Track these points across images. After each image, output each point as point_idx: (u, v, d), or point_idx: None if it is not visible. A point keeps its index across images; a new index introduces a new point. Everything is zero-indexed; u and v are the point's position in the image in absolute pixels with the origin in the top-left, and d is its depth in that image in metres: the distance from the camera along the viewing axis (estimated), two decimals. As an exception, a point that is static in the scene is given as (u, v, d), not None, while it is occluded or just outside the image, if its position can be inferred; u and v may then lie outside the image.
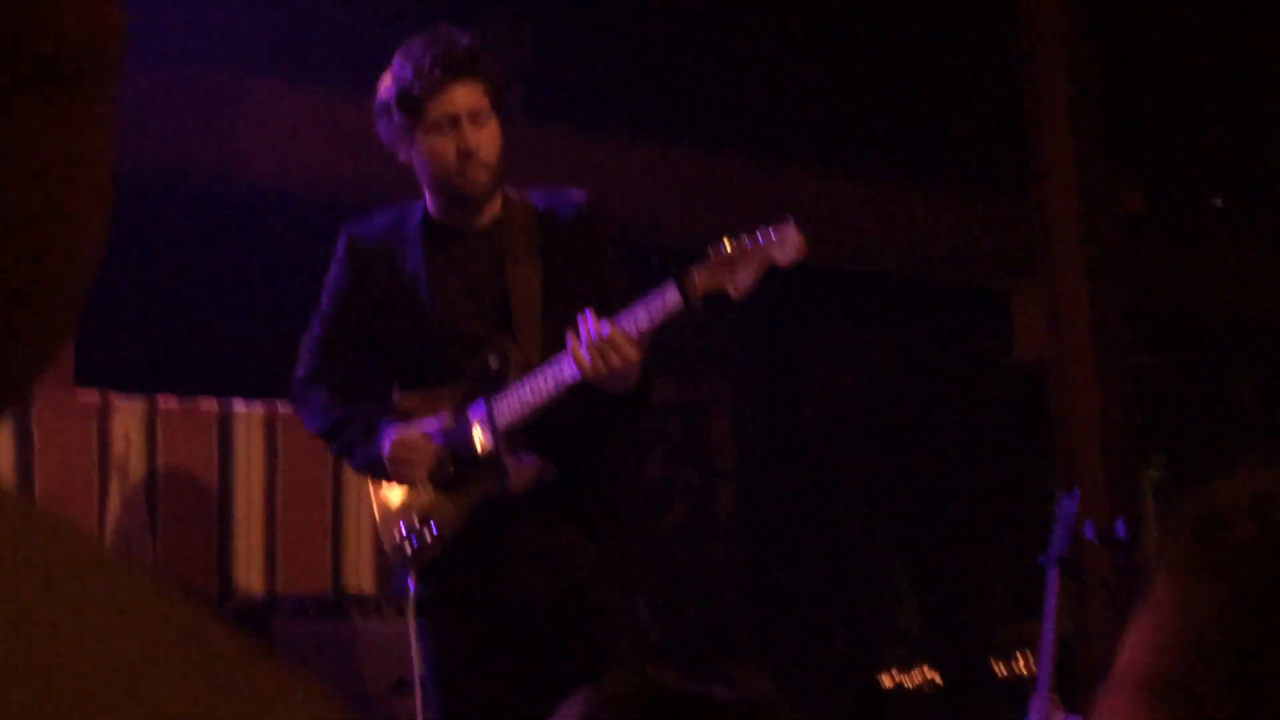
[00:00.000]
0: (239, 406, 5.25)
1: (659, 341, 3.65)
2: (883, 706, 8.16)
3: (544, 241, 3.73)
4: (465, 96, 3.61)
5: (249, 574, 5.18)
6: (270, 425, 5.27)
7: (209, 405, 5.21)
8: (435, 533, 3.69)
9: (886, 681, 8.20)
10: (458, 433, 3.69)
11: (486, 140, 3.63)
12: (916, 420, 8.70)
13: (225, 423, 5.22)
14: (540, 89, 6.47)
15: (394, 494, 3.77)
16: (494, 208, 3.73)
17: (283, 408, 5.03)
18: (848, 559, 8.45)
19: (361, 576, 5.34)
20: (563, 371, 3.57)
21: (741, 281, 3.52)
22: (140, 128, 4.97)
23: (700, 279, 3.53)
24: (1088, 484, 6.06)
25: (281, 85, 5.73)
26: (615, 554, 3.72)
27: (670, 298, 3.52)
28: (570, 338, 3.51)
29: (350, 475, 5.00)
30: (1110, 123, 7.18)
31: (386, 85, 3.67)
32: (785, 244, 3.54)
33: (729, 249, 3.54)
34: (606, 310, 3.56)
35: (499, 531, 3.69)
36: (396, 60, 3.67)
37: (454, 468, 3.69)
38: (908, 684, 8.21)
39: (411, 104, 3.60)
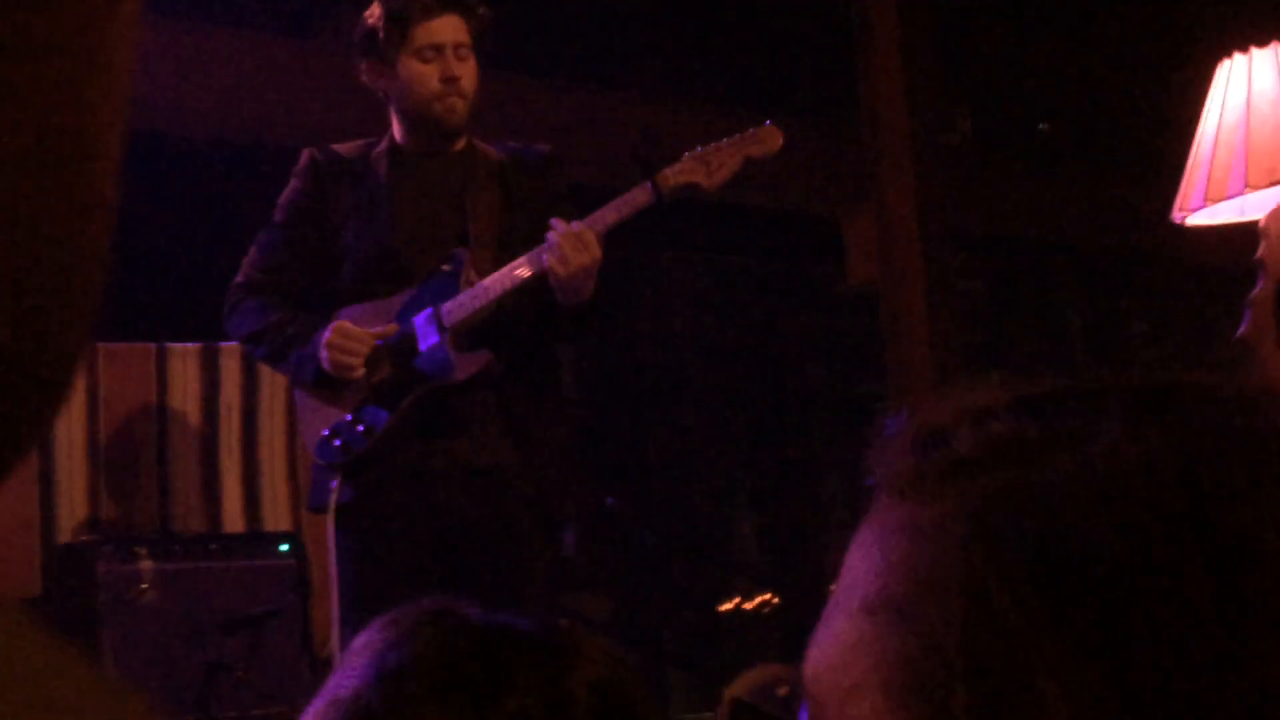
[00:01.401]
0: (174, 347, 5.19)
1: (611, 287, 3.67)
2: (721, 628, 8.24)
3: (504, 178, 3.79)
4: (452, 28, 3.71)
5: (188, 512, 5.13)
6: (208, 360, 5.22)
7: (146, 348, 5.13)
8: (363, 432, 3.61)
9: (725, 605, 8.28)
10: (401, 333, 3.66)
11: (467, 73, 3.72)
12: (751, 346, 8.75)
13: (161, 360, 5.14)
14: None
15: (323, 393, 3.69)
16: (460, 143, 3.80)
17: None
18: (685, 487, 8.49)
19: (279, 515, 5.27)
20: (517, 271, 3.58)
21: (716, 173, 3.59)
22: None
23: (672, 174, 3.60)
24: (918, 407, 6.13)
25: (215, 29, 5.70)
26: (547, 482, 3.68)
27: (640, 194, 3.59)
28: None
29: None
30: (939, 49, 7.23)
31: (373, 12, 3.74)
32: (763, 140, 3.63)
33: (704, 148, 3.62)
34: None
35: (432, 443, 3.63)
36: None
37: (391, 370, 3.65)
38: (746, 606, 8.29)
39: (400, 28, 3.67)
